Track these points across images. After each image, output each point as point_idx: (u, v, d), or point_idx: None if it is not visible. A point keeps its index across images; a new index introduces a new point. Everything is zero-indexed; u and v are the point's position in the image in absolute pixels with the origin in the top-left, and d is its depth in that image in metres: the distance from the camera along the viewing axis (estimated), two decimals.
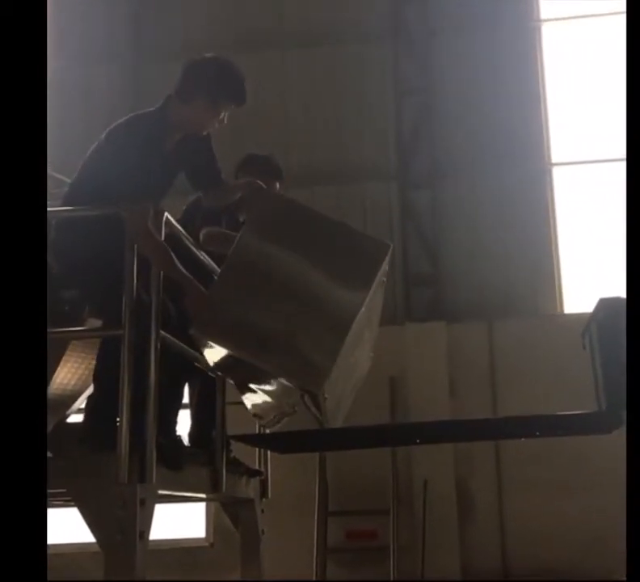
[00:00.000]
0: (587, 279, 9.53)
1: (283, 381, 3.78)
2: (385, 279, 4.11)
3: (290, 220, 3.94)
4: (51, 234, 3.64)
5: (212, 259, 4.34)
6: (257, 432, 5.32)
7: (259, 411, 4.62)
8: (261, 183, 4.18)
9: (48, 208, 3.15)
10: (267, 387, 4.19)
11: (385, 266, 3.98)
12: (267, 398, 4.35)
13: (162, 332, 3.65)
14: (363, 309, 3.78)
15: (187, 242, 4.19)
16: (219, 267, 4.09)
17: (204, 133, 4.16)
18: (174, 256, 3.75)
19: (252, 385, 4.21)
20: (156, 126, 3.92)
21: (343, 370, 3.93)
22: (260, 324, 3.67)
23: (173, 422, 4.40)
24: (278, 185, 4.93)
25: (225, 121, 4.12)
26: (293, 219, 3.95)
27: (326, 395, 3.69)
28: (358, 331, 3.91)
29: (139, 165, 3.73)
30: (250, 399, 4.49)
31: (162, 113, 3.99)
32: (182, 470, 3.88)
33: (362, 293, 3.78)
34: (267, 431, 5.07)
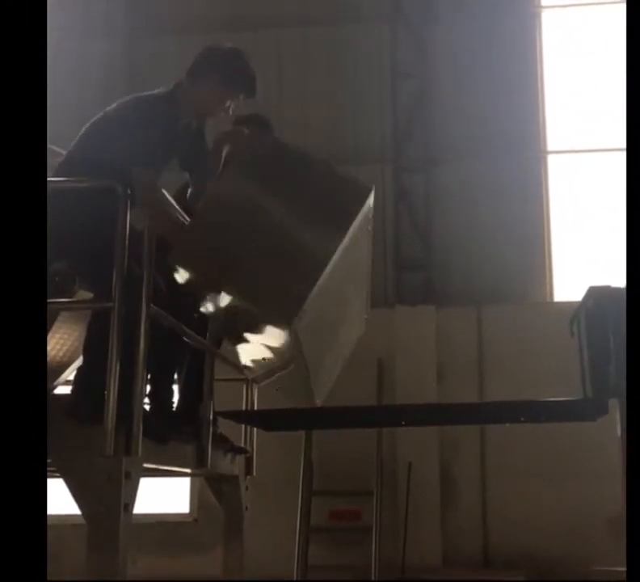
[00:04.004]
0: (577, 267, 9.56)
1: (270, 327, 3.76)
2: (370, 228, 4.11)
3: (272, 158, 3.96)
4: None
5: None
6: (244, 408, 5.35)
7: (251, 363, 4.65)
8: (244, 129, 4.22)
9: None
10: (260, 338, 4.22)
11: (367, 209, 3.99)
12: (261, 350, 4.39)
13: (153, 306, 3.65)
14: (343, 245, 3.77)
15: (179, 217, 4.19)
16: None
17: (209, 120, 4.20)
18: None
19: (247, 335, 4.24)
20: (165, 107, 3.94)
21: (324, 320, 3.95)
22: (237, 256, 3.70)
23: (168, 395, 4.44)
24: None
25: (231, 112, 4.14)
26: (275, 157, 3.97)
27: (302, 334, 3.66)
28: (338, 278, 3.91)
29: (144, 142, 3.76)
30: (243, 350, 4.52)
31: (172, 96, 4.01)
32: (166, 443, 3.89)
33: (342, 231, 3.78)
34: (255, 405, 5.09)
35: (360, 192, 3.94)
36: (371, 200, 3.97)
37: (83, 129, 4.06)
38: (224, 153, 4.21)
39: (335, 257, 3.74)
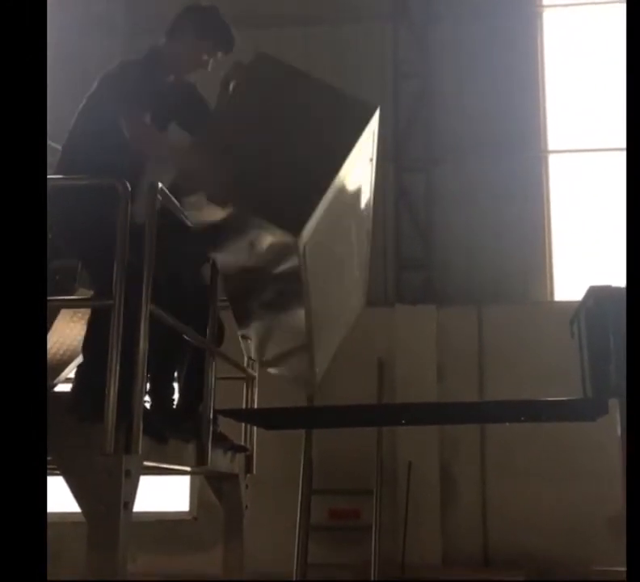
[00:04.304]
0: (577, 267, 9.56)
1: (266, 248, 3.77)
2: (373, 157, 4.13)
3: (274, 78, 4.02)
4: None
5: None
6: (244, 407, 5.35)
7: (253, 347, 4.68)
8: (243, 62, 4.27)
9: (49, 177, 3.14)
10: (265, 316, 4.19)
11: (371, 131, 4.00)
12: (262, 336, 4.38)
13: (153, 305, 3.64)
14: (348, 162, 3.80)
15: (181, 216, 4.19)
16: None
17: (189, 76, 4.29)
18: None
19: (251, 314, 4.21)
20: (148, 67, 4.01)
21: (329, 253, 3.98)
22: (244, 173, 3.73)
23: (168, 393, 4.45)
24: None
25: (210, 68, 4.20)
26: (278, 77, 4.03)
27: (308, 251, 3.67)
28: (342, 205, 3.95)
29: (133, 103, 3.80)
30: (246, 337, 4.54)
31: (151, 55, 4.10)
32: (166, 441, 3.89)
33: (347, 146, 3.82)
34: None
35: (364, 109, 3.97)
36: (376, 121, 3.99)
37: (74, 119, 4.10)
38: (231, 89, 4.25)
39: (340, 174, 3.77)
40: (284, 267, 3.85)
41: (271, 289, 4.23)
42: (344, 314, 4.83)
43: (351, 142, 3.82)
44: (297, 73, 4.07)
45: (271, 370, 5.31)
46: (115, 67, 4.09)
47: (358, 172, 4.06)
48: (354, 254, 4.66)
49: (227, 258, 4.24)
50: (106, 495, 3.41)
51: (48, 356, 4.64)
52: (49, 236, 3.77)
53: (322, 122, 3.88)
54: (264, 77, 4.01)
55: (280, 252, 3.76)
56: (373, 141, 4.12)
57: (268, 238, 3.73)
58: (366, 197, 4.51)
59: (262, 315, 4.61)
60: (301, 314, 4.06)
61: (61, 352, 4.76)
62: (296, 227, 3.58)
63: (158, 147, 3.89)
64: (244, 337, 4.97)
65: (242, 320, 4.68)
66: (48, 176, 3.54)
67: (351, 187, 4.06)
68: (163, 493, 8.89)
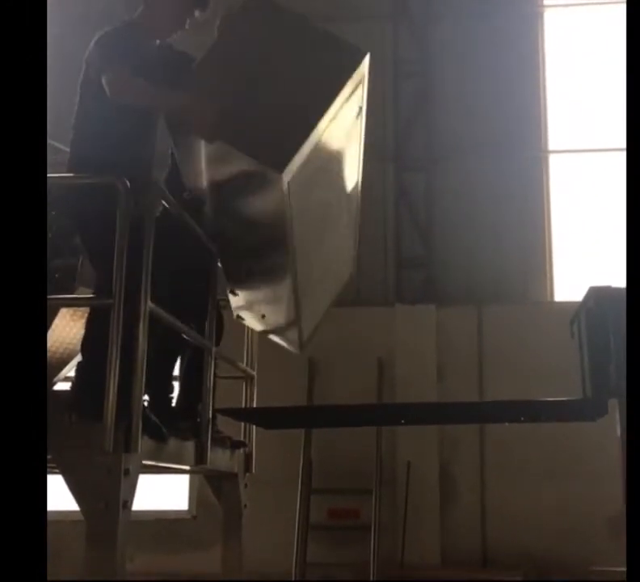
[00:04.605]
0: (577, 267, 9.56)
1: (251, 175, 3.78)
2: (362, 106, 4.15)
3: (268, 19, 4.03)
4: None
5: None
6: (243, 406, 5.34)
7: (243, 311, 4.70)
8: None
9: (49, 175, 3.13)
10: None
11: (361, 77, 4.02)
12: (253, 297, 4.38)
13: (152, 304, 3.64)
14: (336, 105, 3.83)
15: (186, 217, 4.18)
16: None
17: (170, 39, 4.28)
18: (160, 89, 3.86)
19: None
20: (125, 32, 4.02)
21: (315, 196, 4.01)
22: (233, 110, 3.74)
23: (168, 393, 4.44)
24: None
25: (188, 27, 4.21)
26: (272, 18, 4.04)
27: (292, 190, 3.68)
28: (330, 152, 3.99)
29: (115, 63, 3.79)
30: (237, 301, 4.65)
31: (129, 22, 4.13)
32: (165, 440, 3.89)
33: (335, 88, 3.84)
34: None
35: (354, 54, 3.99)
36: (365, 67, 4.01)
37: (75, 110, 4.10)
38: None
39: (327, 116, 3.78)
40: (271, 209, 3.88)
41: (261, 242, 4.23)
42: (333, 271, 4.84)
43: (339, 84, 3.84)
44: (290, 15, 4.08)
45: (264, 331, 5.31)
46: (94, 42, 4.06)
47: (346, 118, 4.07)
48: (343, 208, 4.66)
49: (222, 207, 4.25)
50: (105, 493, 3.41)
51: (48, 354, 4.64)
52: (49, 235, 3.78)
53: (312, 64, 3.91)
54: (255, 18, 4.02)
55: (267, 192, 3.78)
56: (363, 88, 4.14)
57: (255, 178, 3.76)
58: (355, 151, 4.52)
59: (254, 279, 4.62)
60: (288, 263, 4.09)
61: (61, 350, 4.76)
62: (280, 163, 3.61)
63: (137, 94, 3.84)
64: (239, 317, 4.98)
65: (235, 280, 4.70)
66: (48, 175, 3.56)
67: (339, 133, 4.08)
68: (162, 492, 8.90)
